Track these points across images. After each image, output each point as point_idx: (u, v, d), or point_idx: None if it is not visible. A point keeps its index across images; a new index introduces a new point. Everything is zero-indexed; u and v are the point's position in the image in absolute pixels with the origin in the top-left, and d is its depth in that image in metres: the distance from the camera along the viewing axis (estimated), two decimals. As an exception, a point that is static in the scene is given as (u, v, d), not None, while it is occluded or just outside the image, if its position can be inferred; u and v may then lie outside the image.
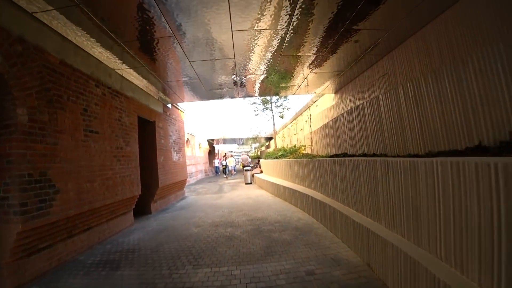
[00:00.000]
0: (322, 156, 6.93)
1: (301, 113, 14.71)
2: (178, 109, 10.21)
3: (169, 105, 8.98)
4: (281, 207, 7.06)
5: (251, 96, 9.54)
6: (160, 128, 7.92)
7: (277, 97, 16.39)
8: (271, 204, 7.67)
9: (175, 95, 8.07)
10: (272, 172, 11.67)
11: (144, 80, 6.35)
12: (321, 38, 4.91)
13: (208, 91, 7.81)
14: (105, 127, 5.04)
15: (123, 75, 5.80)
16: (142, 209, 7.32)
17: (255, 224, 5.50)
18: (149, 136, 7.55)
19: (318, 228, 4.91)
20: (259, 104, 16.78)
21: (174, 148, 9.19)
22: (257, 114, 17.52)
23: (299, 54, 5.65)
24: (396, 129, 4.10)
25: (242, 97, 9.05)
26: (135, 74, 5.94)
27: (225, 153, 24.80)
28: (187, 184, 16.09)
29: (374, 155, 4.40)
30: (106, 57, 5.00)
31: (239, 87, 7.87)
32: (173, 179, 8.77)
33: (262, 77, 7.29)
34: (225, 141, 29.52)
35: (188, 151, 17.26)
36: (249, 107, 25.40)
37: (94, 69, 4.83)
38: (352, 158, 4.30)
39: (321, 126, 7.81)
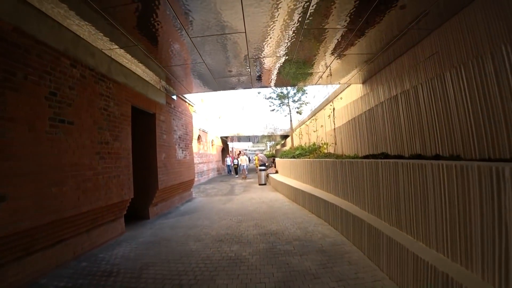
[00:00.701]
0: (351, 157, 5.66)
1: (323, 107, 13.35)
2: (186, 101, 9.24)
3: (174, 97, 8.02)
4: (300, 217, 5.86)
5: (267, 87, 8.39)
6: (161, 121, 6.96)
7: (295, 91, 15.14)
8: (287, 211, 6.49)
9: (180, 85, 7.08)
10: (288, 173, 10.45)
11: (140, 64, 5.38)
12: (357, 2, 3.67)
13: (218, 79, 6.73)
14: (84, 117, 4.09)
15: (113, 57, 4.84)
16: (139, 213, 6.41)
17: (269, 240, 4.36)
18: (147, 130, 6.61)
19: (351, 252, 3.69)
20: (275, 99, 15.58)
21: (179, 145, 8.22)
22: (273, 110, 16.34)
23: (325, 27, 4.40)
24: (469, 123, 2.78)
25: (257, 87, 7.91)
26: (128, 56, 4.98)
27: (240, 151, 23.83)
28: (197, 183, 15.33)
29: (437, 156, 3.11)
30: (88, 32, 4.05)
31: (253, 76, 6.74)
32: (177, 179, 7.81)
33: (278, 65, 6.12)
34: (239, 138, 28.55)
35: (199, 148, 16.42)
36: (265, 102, 24.06)
37: (69, 45, 3.87)
38: (401, 160, 3.05)
39: (348, 121, 6.51)
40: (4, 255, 2.93)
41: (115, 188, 4.70)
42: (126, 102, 5.22)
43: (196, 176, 14.67)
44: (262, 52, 5.28)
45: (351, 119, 6.33)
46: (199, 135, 16.52)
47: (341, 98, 10.57)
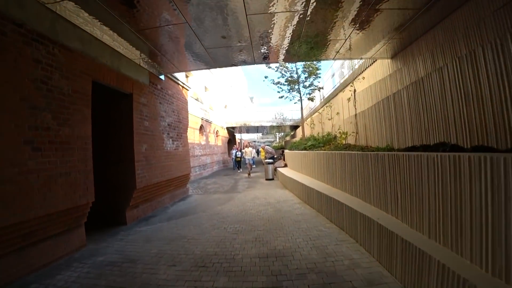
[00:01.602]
0: (384, 149, 4.21)
1: (339, 91, 11.74)
2: (179, 84, 7.90)
3: (162, 77, 6.68)
4: (315, 227, 4.50)
5: (273, 62, 6.95)
6: (142, 104, 5.65)
7: (306, 75, 13.54)
8: (299, 218, 5.12)
9: (167, 61, 5.70)
10: (299, 167, 9.04)
11: (105, 28, 4.02)
12: None
13: (210, 50, 5.32)
14: (1, 90, 2.80)
15: (58, 12, 3.50)
16: (114, 217, 5.20)
17: (272, 270, 3.03)
18: (121, 115, 5.32)
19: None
20: (283, 84, 14.02)
21: (168, 134, 6.93)
22: (282, 96, 14.80)
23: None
24: None
25: (261, 62, 6.46)
26: (84, 14, 3.63)
27: (248, 143, 22.51)
28: (199, 177, 14.07)
29: None
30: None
31: (255, 45, 5.29)
32: (166, 175, 6.56)
33: (288, 33, 4.67)
34: (247, 129, 27.16)
35: (202, 139, 15.19)
36: (273, 89, 22.33)
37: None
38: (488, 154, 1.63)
39: (375, 105, 5.03)
40: None
41: (62, 190, 3.45)
42: (82, 75, 3.91)
43: (198, 170, 13.51)
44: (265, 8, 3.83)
45: (380, 101, 4.84)
46: (202, 125, 15.26)
47: (363, 78, 8.97)
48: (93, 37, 4.13)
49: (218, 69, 21.61)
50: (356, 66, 10.45)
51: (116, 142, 5.26)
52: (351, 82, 9.66)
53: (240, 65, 6.69)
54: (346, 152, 4.89)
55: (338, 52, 6.26)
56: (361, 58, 7.98)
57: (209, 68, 6.66)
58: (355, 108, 6.54)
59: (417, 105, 3.62)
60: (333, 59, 6.91)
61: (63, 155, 3.49)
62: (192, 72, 13.94)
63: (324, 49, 5.97)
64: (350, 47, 5.99)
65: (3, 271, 2.85)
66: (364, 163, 3.94)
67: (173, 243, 4.07)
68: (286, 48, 5.65)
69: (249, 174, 13.25)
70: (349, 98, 7.02)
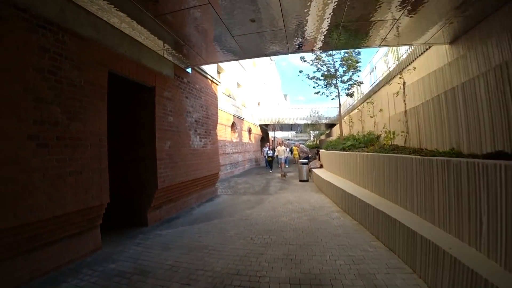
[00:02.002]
0: (445, 153, 3.23)
1: (383, 85, 10.46)
2: (208, 78, 7.51)
3: (189, 70, 6.31)
4: (359, 247, 3.67)
5: (309, 51, 6.13)
6: (165, 98, 5.31)
7: (344, 68, 12.32)
8: (338, 232, 4.31)
9: (193, 52, 5.29)
10: (337, 169, 8.08)
11: (122, 14, 3.68)
12: None
13: (237, 37, 4.75)
14: (3, 79, 2.53)
15: (70, -4, 3.21)
16: (135, 218, 4.94)
17: (303, 304, 2.34)
18: (142, 109, 5.03)
19: None
20: (320, 79, 12.95)
21: (195, 130, 6.57)
22: (318, 92, 13.72)
23: None
24: None
25: (295, 51, 5.72)
26: (99, 1, 3.31)
27: (282, 141, 21.70)
28: (230, 175, 13.72)
29: None
30: None
31: (288, 31, 4.59)
32: (192, 174, 6.20)
33: (326, 16, 3.89)
34: (281, 127, 26.35)
35: (233, 137, 14.88)
36: (307, 83, 21.09)
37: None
38: None
39: (436, 98, 3.98)
40: None
41: (72, 191, 3.16)
42: (97, 66, 3.61)
43: (229, 168, 13.21)
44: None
45: (440, 94, 3.80)
46: (234, 122, 14.95)
47: (413, 69, 7.69)
48: (109, 24, 3.82)
49: (251, 66, 21.26)
50: (404, 56, 9.10)
51: (138, 138, 4.99)
52: (399, 73, 8.38)
53: (271, 55, 6.02)
54: (397, 155, 3.95)
55: (384, 38, 5.27)
56: (412, 45, 6.78)
57: (238, 59, 6.10)
58: (405, 104, 5.47)
59: (502, 98, 2.60)
60: (379, 46, 5.86)
61: (74, 152, 3.20)
62: (224, 68, 13.65)
63: (367, 35, 5.05)
64: (398, 31, 4.97)
65: (9, 274, 2.62)
66: (426, 170, 3.02)
67: (192, 254, 3.60)
68: (324, 33, 4.84)
69: (284, 175, 12.05)
70: (397, 92, 5.92)
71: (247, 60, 19.50)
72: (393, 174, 3.98)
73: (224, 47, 5.18)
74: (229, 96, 14.30)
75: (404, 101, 5.52)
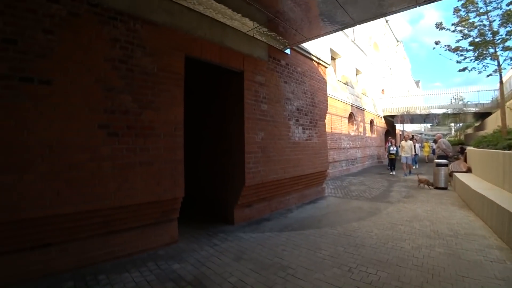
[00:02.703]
0: None
1: None
2: (312, 59, 6.33)
3: (288, 51, 5.42)
4: None
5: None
6: (257, 84, 4.69)
7: (508, 28, 7.27)
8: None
9: (290, 28, 4.43)
10: (497, 177, 4.66)
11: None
12: None
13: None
14: (75, 72, 2.69)
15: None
16: (222, 215, 4.70)
17: None
18: (229, 96, 4.63)
19: None
20: (466, 50, 8.34)
21: (297, 121, 5.62)
22: (464, 69, 8.89)
23: None
24: None
25: (426, 1, 3.56)
26: None
27: (413, 135, 16.81)
28: (345, 173, 11.88)
29: None
30: None
31: None
32: (291, 170, 5.33)
33: None
34: (411, 118, 20.29)
35: (351, 129, 12.76)
36: (448, 57, 14.54)
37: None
38: None
39: None
40: None
41: (142, 182, 3.11)
42: (171, 51, 3.44)
43: (344, 165, 11.44)
44: None
45: None
46: (352, 112, 12.80)
47: None
48: (184, 7, 3.57)
49: (372, 50, 17.32)
50: None
51: (225, 129, 4.69)
52: None
53: (392, 13, 4.12)
54: None
55: None
56: None
57: (349, 26, 4.55)
58: None
59: None
60: None
61: (145, 141, 3.15)
62: (339, 52, 11.80)
63: None
64: None
65: (86, 252, 2.84)
66: None
67: (263, 273, 2.80)
68: None
69: (427, 183, 7.62)
70: None
71: (366, 41, 16.18)
72: None
73: (330, 14, 3.93)
74: (346, 84, 12.31)
75: None
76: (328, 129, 10.22)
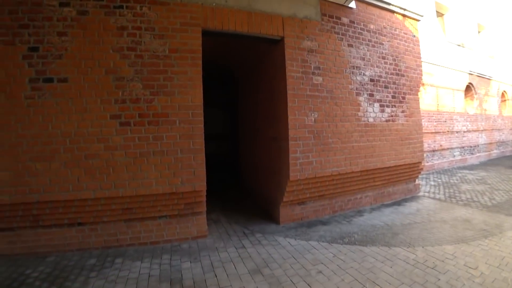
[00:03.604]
0: None
1: None
2: (393, 10, 4.53)
3: (353, 4, 4.05)
4: None
5: None
6: (306, 51, 3.70)
7: None
8: None
9: None
10: None
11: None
12: None
13: None
14: (87, 67, 2.80)
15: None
16: (268, 211, 4.10)
17: None
18: (270, 70, 3.86)
19: None
20: None
21: (370, 95, 4.19)
22: None
23: None
24: None
25: None
26: None
27: None
28: (460, 164, 8.60)
29: None
30: None
31: None
32: (362, 162, 4.05)
33: None
34: None
35: (470, 106, 9.00)
36: None
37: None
38: None
39: None
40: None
41: (157, 172, 2.98)
42: (185, 28, 3.09)
43: (458, 154, 8.37)
44: None
45: None
46: (470, 83, 8.87)
47: None
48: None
49: None
50: None
51: (274, 111, 3.99)
52: None
53: None
54: None
55: None
56: None
57: None
58: None
59: None
60: None
61: (158, 130, 2.99)
62: (448, 5, 8.25)
63: None
64: None
65: (113, 235, 3.02)
66: None
67: None
68: None
69: None
70: None
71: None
72: None
73: None
74: (459, 46, 8.48)
75: None
76: (432, 107, 7.53)
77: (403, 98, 4.53)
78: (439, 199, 4.80)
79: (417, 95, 4.76)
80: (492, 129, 10.28)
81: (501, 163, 8.96)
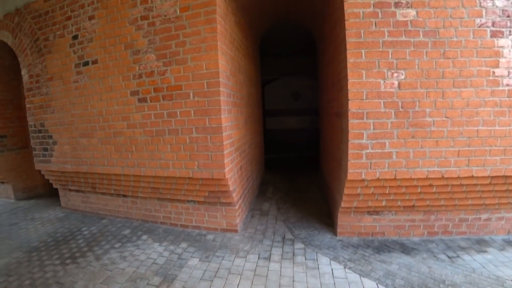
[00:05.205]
0: None
1: None
2: None
3: None
4: None
5: None
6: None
7: None
8: None
9: None
10: None
11: None
12: None
13: None
14: (109, 44, 2.78)
15: None
16: (331, 212, 3.02)
17: None
18: (331, 13, 2.64)
19: None
20: None
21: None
22: None
23: None
24: None
25: None
26: None
27: None
28: None
29: None
30: None
31: None
32: (495, 161, 2.15)
33: None
34: None
35: None
36: None
37: None
38: None
39: None
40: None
41: (173, 152, 2.66)
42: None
43: None
44: None
45: None
46: None
47: None
48: None
49: None
50: None
51: (334, 71, 2.78)
52: None
53: None
54: None
55: None
56: None
57: None
58: None
59: None
60: None
61: (172, 105, 2.62)
62: None
63: None
64: None
65: (147, 210, 3.16)
66: None
67: None
68: None
69: None
70: None
71: None
72: None
73: None
74: None
75: None
76: None
77: None
78: None
79: None
80: None
81: None
